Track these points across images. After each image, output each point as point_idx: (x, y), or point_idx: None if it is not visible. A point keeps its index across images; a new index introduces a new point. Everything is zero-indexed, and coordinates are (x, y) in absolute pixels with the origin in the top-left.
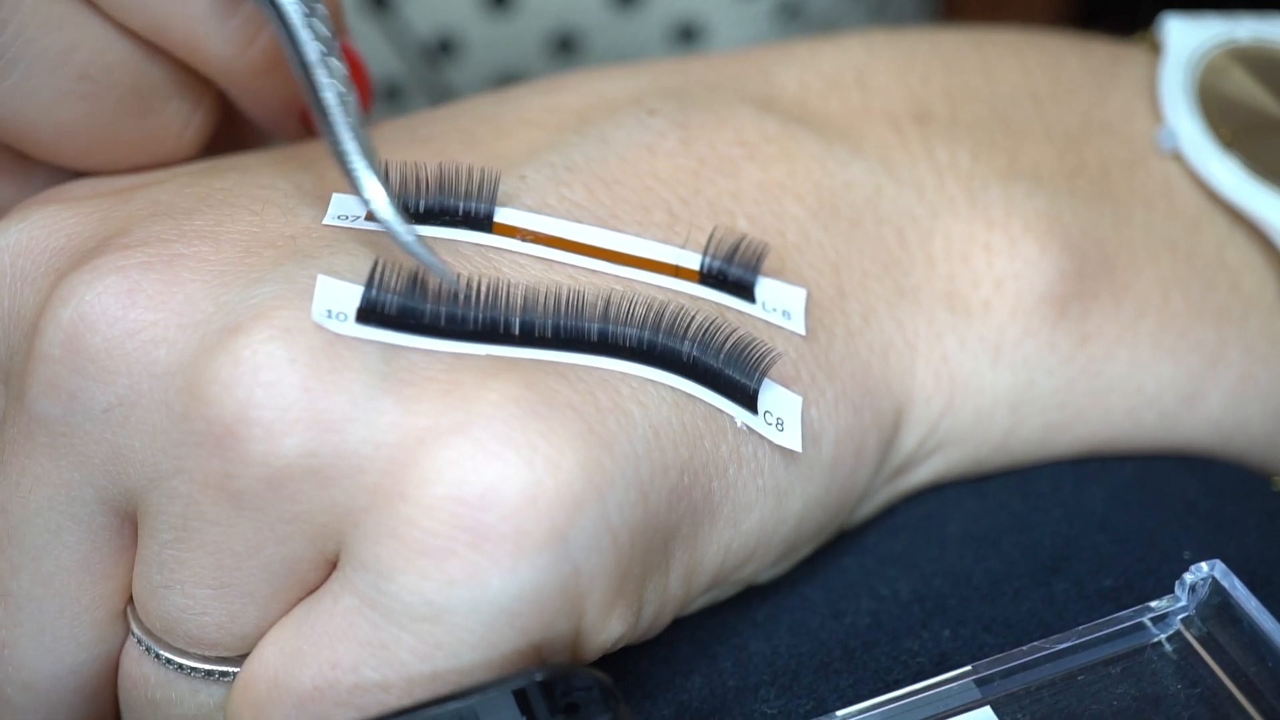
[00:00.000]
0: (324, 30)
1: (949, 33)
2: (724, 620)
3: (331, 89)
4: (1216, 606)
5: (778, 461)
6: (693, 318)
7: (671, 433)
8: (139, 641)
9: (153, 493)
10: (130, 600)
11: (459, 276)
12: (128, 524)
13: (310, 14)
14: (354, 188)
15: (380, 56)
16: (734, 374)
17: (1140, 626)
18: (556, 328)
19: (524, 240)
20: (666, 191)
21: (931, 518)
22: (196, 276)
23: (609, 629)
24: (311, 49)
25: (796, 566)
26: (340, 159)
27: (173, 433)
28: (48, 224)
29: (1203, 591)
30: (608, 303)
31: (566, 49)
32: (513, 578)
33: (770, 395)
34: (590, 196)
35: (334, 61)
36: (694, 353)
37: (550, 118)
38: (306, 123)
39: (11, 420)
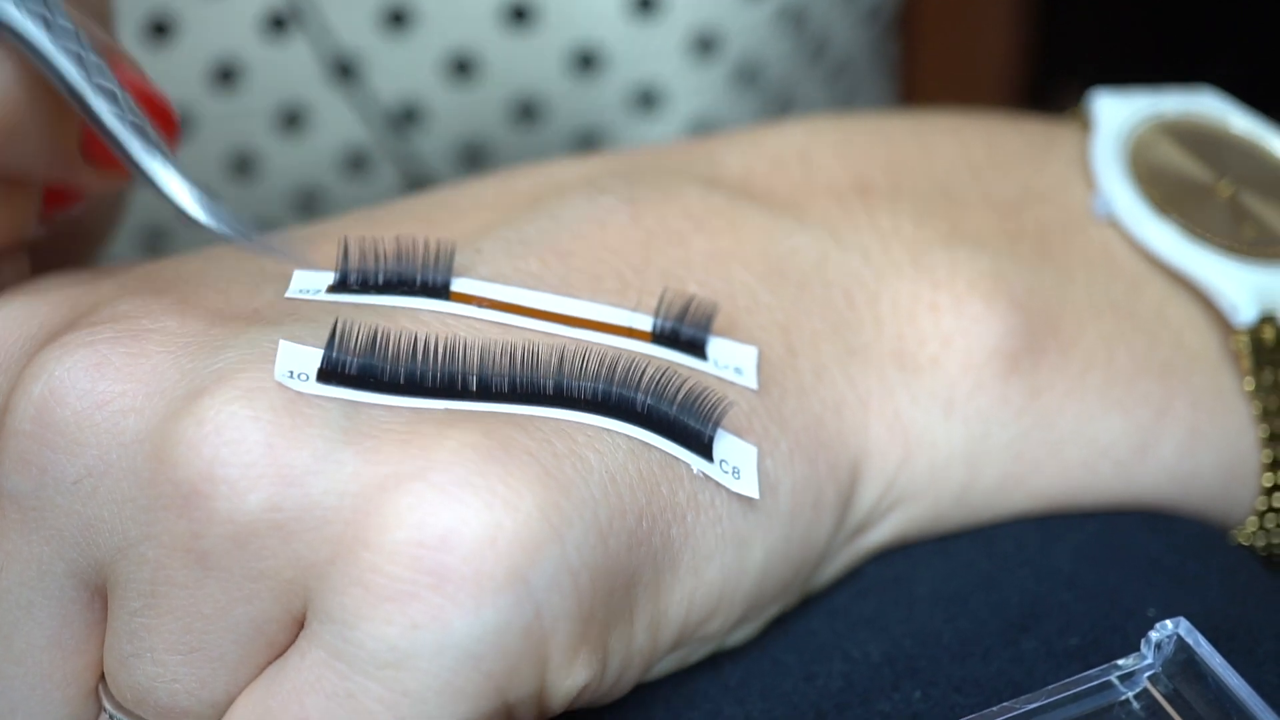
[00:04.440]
0: (72, 40)
1: (888, 116)
2: (696, 686)
3: (100, 94)
4: (1182, 664)
5: (736, 509)
6: (645, 369)
7: (628, 478)
8: (111, 718)
9: (122, 561)
10: (102, 678)
11: (416, 336)
12: (98, 598)
13: (51, 27)
14: (155, 186)
15: (346, 125)
16: (688, 421)
17: (1108, 685)
18: (513, 382)
19: (480, 306)
20: (618, 261)
21: (900, 579)
22: (162, 348)
23: (574, 675)
24: (63, 61)
25: (767, 630)
26: (134, 163)
27: (141, 499)
28: (18, 313)
29: (1168, 649)
30: (561, 358)
31: (529, 116)
32: (475, 619)
33: (725, 444)
34: (544, 267)
35: (97, 67)
36: (648, 401)
37: (503, 199)
38: (99, 162)
39: None
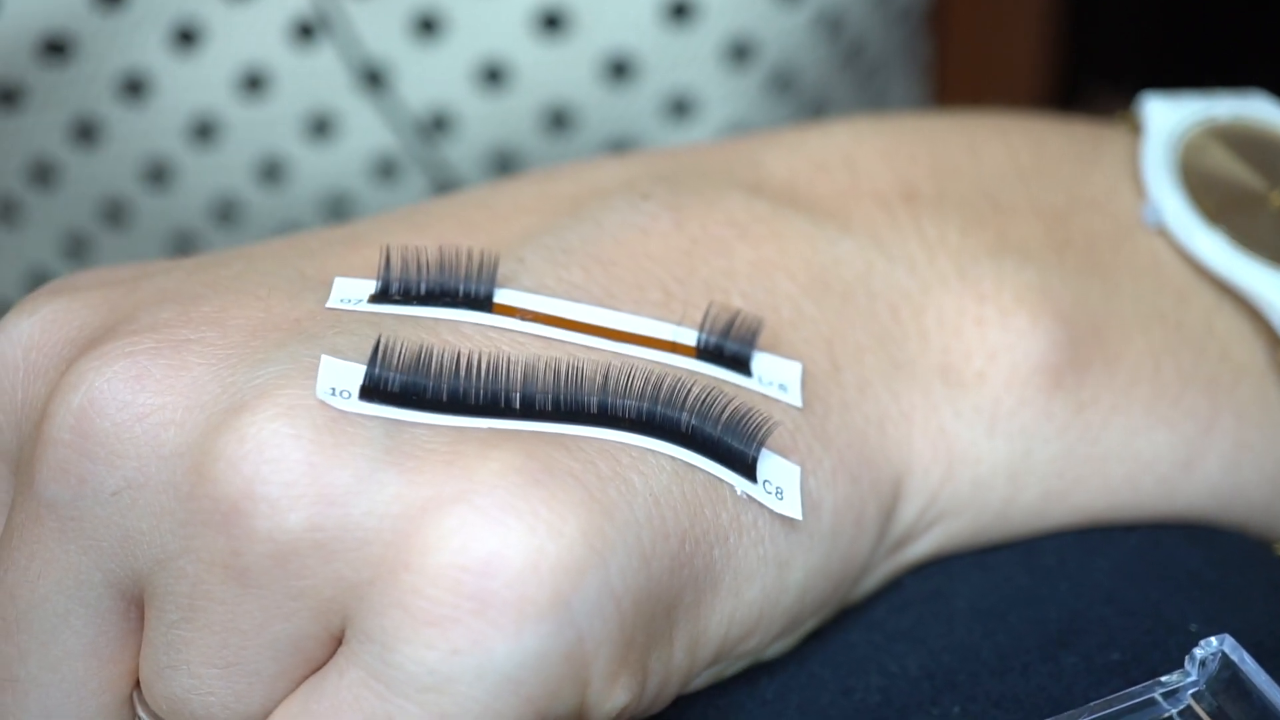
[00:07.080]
0: None
1: (933, 117)
2: (733, 700)
3: None
4: (1226, 680)
5: (778, 530)
6: (690, 388)
7: (672, 501)
8: None
9: (160, 574)
10: (136, 686)
11: (460, 353)
12: (134, 608)
13: None
14: None
15: (375, 132)
16: (732, 442)
17: (1151, 701)
18: (556, 401)
19: (524, 319)
20: (661, 270)
21: (939, 593)
22: (203, 360)
23: (614, 698)
24: None
25: (804, 643)
26: None
27: (180, 513)
28: (57, 316)
29: (1212, 666)
30: (606, 375)
31: (560, 124)
32: (517, 645)
33: (768, 464)
34: (587, 277)
35: None
36: (693, 422)
37: (545, 204)
38: None
39: (20, 507)
